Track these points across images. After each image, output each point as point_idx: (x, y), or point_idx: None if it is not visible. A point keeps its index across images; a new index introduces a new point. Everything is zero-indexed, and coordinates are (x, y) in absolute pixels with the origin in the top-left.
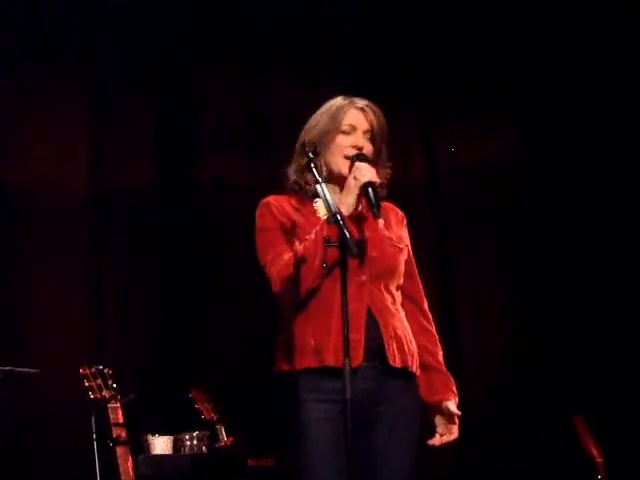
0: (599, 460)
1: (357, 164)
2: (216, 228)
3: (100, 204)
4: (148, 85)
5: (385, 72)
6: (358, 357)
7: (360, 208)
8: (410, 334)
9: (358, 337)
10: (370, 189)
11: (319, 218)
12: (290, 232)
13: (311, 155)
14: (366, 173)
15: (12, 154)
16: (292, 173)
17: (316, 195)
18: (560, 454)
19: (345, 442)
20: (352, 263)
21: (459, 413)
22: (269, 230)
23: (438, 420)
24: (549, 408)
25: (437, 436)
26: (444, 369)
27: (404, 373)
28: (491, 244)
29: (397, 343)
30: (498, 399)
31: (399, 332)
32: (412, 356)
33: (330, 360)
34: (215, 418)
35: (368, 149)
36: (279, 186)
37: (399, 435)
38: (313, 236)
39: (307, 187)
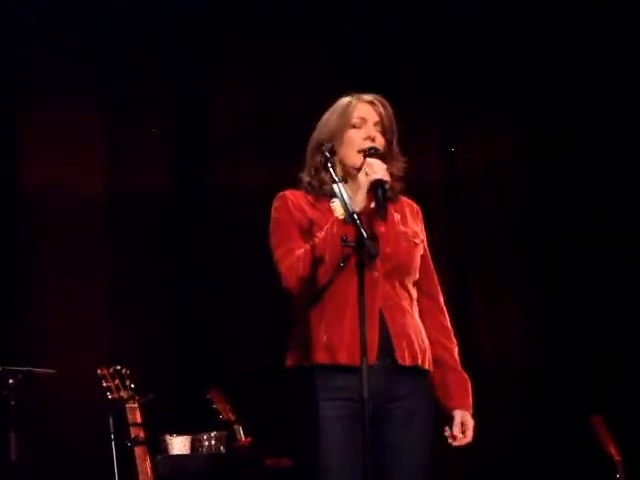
0: (618, 459)
1: (368, 160)
2: (229, 231)
3: (116, 207)
4: (163, 89)
5: (399, 74)
6: (372, 355)
7: (373, 204)
8: (422, 331)
9: (372, 335)
10: (379, 188)
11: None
12: (304, 228)
13: (327, 154)
14: (377, 170)
15: (27, 156)
16: (305, 175)
17: (333, 195)
18: (579, 453)
19: (363, 443)
20: (365, 260)
21: (471, 427)
22: (283, 224)
23: (453, 421)
24: (568, 407)
25: (451, 435)
26: (459, 367)
27: (415, 371)
28: (506, 245)
29: (406, 341)
30: (516, 398)
31: (409, 330)
32: (423, 353)
33: (343, 358)
34: (233, 418)
35: (380, 141)
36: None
37: (411, 432)
38: (324, 233)
39: (324, 187)
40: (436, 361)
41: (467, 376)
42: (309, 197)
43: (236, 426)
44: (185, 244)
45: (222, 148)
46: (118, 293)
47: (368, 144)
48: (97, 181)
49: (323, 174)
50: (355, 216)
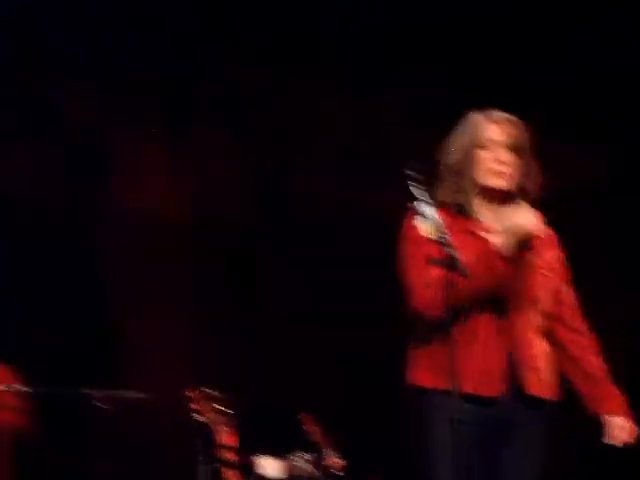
0: None
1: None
2: (311, 251)
3: (200, 232)
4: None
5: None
6: (496, 387)
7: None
8: (550, 363)
9: (500, 367)
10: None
11: (478, 237)
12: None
13: (411, 174)
14: (530, 225)
15: (118, 181)
16: (441, 194)
17: (418, 213)
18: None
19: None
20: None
21: (620, 427)
22: (416, 244)
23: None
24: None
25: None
26: (609, 379)
27: (541, 402)
28: None
29: (535, 374)
30: None
31: (539, 363)
32: (551, 384)
33: (469, 387)
34: (323, 441)
35: (511, 163)
36: (365, 200)
37: (526, 456)
38: (481, 265)
39: (410, 205)
40: (586, 376)
41: (618, 388)
42: (443, 215)
43: (326, 449)
44: (266, 267)
45: (305, 168)
46: (206, 315)
47: (496, 166)
48: (183, 207)
49: (457, 194)
50: (446, 237)
